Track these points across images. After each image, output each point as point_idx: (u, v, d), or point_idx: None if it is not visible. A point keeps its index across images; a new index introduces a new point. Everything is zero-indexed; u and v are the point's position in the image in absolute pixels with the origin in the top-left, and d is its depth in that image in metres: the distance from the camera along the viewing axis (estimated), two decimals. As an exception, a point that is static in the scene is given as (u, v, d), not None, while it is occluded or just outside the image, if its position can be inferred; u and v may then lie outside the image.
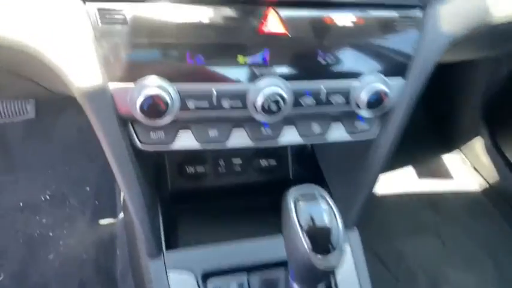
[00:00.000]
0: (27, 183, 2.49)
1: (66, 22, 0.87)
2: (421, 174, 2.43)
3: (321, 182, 1.43)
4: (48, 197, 2.33)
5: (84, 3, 0.87)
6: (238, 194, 1.50)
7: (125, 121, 0.99)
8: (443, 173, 2.48)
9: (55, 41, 0.87)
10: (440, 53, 1.05)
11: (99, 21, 0.87)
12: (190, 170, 1.44)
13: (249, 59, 0.91)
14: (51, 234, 2.30)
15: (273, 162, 1.51)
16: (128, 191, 1.04)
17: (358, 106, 1.04)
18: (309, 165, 1.50)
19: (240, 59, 0.94)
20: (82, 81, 0.90)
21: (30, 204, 2.41)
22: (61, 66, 0.88)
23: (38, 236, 2.29)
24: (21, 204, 2.44)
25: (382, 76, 0.99)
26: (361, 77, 0.98)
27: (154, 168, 1.36)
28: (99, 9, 0.87)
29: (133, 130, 1.00)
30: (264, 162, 1.51)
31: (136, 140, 1.01)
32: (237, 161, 1.49)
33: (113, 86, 0.92)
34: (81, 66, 0.89)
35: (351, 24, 0.97)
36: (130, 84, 0.92)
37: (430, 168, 2.50)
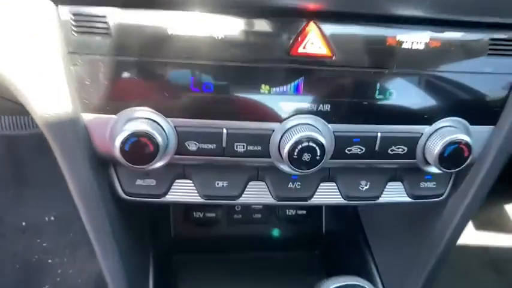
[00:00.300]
0: (32, 200, 2.34)
1: (31, 29, 0.64)
2: (482, 225, 2.07)
3: (362, 245, 1.13)
4: (52, 218, 2.15)
5: (56, 5, 0.63)
6: (257, 247, 1.22)
7: (105, 163, 0.74)
8: (508, 227, 2.12)
9: (14, 53, 0.64)
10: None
11: (73, 30, 0.63)
12: (198, 214, 1.18)
13: (276, 89, 0.65)
14: (50, 261, 2.11)
15: (302, 211, 1.23)
16: (100, 250, 0.79)
17: (426, 161, 0.75)
18: (349, 221, 1.20)
19: (264, 88, 0.68)
20: (46, 109, 0.66)
21: (33, 225, 2.25)
22: (19, 86, 0.65)
23: (35, 261, 2.12)
24: (23, 223, 2.27)
25: (464, 122, 0.70)
26: (434, 122, 0.76)
27: (149, 212, 1.10)
28: (75, 15, 0.63)
29: (116, 175, 0.75)
30: (291, 211, 1.23)
31: (119, 188, 0.75)
32: (257, 206, 1.21)
33: (88, 117, 0.68)
34: (45, 88, 0.66)
35: (422, 47, 0.69)
36: (112, 117, 0.67)
37: (492, 220, 2.13)
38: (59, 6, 0.63)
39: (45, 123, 0.67)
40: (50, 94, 0.66)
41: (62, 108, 0.66)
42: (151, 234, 1.08)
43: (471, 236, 2.08)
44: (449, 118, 0.75)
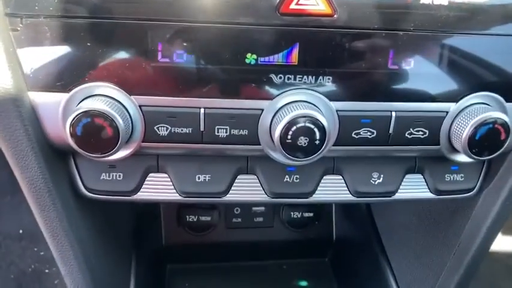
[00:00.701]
0: (29, 207, 2.24)
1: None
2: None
3: (377, 252, 0.97)
4: (49, 226, 2.06)
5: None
6: (258, 254, 1.08)
7: (62, 153, 0.61)
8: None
9: None
10: None
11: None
12: (191, 218, 1.04)
13: (264, 58, 0.51)
14: (47, 271, 2.01)
15: (309, 214, 1.08)
16: (60, 260, 0.67)
17: (452, 147, 0.61)
18: (361, 224, 1.05)
19: (250, 57, 0.55)
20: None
21: (30, 233, 2.14)
22: None
23: (31, 271, 2.01)
24: (20, 231, 2.17)
25: (499, 98, 0.56)
26: (461, 98, 0.61)
27: (130, 214, 0.97)
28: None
29: (76, 168, 0.63)
30: (296, 214, 1.08)
31: (80, 184, 0.63)
32: (258, 209, 1.07)
33: (35, 96, 0.56)
34: None
35: (445, 4, 0.55)
36: (63, 95, 0.55)
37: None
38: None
39: None
40: (-13, 68, 0.54)
41: (1, 86, 0.54)
42: (135, 240, 0.95)
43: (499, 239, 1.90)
44: (480, 93, 0.60)
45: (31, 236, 2.04)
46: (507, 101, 0.62)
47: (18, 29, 0.53)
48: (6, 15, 0.52)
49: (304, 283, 1.06)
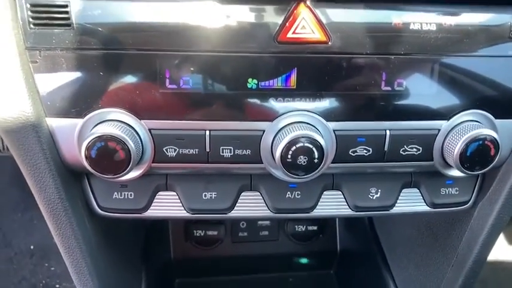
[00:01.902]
0: (40, 223, 2.28)
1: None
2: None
3: (379, 263, 1.00)
4: (60, 241, 2.08)
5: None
6: (264, 267, 1.11)
7: (77, 174, 0.65)
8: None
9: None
10: None
11: (31, 22, 0.56)
12: (198, 232, 1.08)
13: (265, 83, 0.56)
14: (57, 286, 2.04)
15: (313, 227, 1.11)
16: (75, 275, 0.70)
17: (445, 162, 0.64)
18: (364, 237, 1.08)
19: (251, 82, 0.59)
20: (4, 113, 0.59)
21: (41, 248, 2.18)
22: None
23: (43, 286, 2.04)
24: (32, 247, 2.21)
25: (488, 115, 0.59)
26: (452, 116, 0.65)
27: (139, 230, 1.00)
28: (33, 5, 0.56)
29: (90, 188, 0.66)
30: (300, 227, 1.11)
31: (94, 203, 0.67)
32: (263, 223, 1.10)
33: (52, 122, 0.60)
34: (2, 90, 0.58)
35: (434, 28, 0.59)
36: (78, 120, 0.59)
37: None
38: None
39: (4, 129, 0.60)
40: (7, 96, 0.58)
41: (22, 113, 0.58)
42: (145, 255, 0.98)
43: (502, 249, 1.90)
44: (470, 111, 0.64)
45: (42, 252, 2.07)
46: (496, 117, 0.65)
47: (37, 61, 0.58)
48: (27, 48, 0.57)
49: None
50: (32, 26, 0.57)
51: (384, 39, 0.59)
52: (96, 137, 0.56)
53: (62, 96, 0.59)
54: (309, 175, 0.60)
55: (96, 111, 0.59)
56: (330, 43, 0.58)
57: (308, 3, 0.57)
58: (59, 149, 0.61)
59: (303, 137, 0.58)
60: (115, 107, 0.59)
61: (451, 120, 0.63)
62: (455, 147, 0.61)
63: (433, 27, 0.59)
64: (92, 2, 0.56)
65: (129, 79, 0.59)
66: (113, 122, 0.58)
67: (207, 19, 0.57)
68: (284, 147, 0.58)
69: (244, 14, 0.57)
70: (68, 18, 0.56)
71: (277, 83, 0.60)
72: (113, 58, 0.58)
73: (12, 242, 2.12)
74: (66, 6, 0.56)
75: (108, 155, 0.57)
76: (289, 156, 0.58)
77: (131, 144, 0.57)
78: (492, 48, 0.62)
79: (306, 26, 0.58)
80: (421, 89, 0.62)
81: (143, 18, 0.56)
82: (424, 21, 0.59)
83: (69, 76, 0.58)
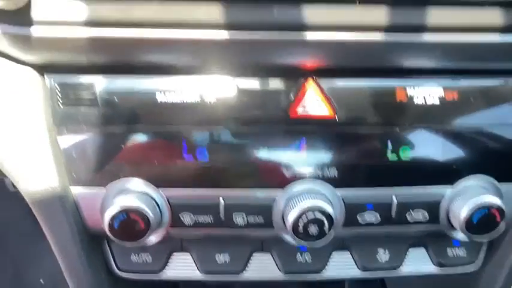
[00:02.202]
0: (51, 256, 2.28)
1: (15, 100, 0.61)
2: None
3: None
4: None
5: (42, 75, 0.61)
6: None
7: (98, 237, 0.69)
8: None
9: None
10: None
11: (59, 100, 0.61)
12: None
13: (276, 153, 0.65)
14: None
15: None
16: None
17: (451, 225, 0.66)
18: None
19: (263, 153, 0.63)
20: (32, 184, 0.63)
21: (51, 283, 2.16)
22: (2, 160, 0.62)
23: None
24: (41, 281, 2.19)
25: (492, 180, 0.61)
26: (457, 182, 0.67)
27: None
28: (61, 84, 0.60)
29: (110, 251, 0.70)
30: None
31: (113, 264, 0.70)
32: None
33: (77, 191, 0.64)
34: (31, 163, 0.63)
35: (436, 101, 0.62)
36: (101, 189, 0.63)
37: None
38: (45, 75, 0.62)
39: (32, 198, 0.64)
40: (36, 169, 0.62)
41: (48, 183, 0.62)
42: None
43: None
44: (474, 176, 0.66)
45: (53, 286, 2.06)
46: (500, 181, 0.67)
47: (65, 136, 0.62)
48: (55, 124, 0.62)
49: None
50: (60, 104, 0.61)
51: (388, 113, 0.63)
52: (118, 210, 0.60)
53: (87, 168, 0.63)
54: (319, 241, 0.63)
55: (118, 180, 0.63)
56: (336, 118, 0.62)
57: (315, 79, 0.61)
58: (83, 216, 0.65)
59: (313, 208, 0.61)
60: (135, 177, 0.63)
61: (455, 185, 0.66)
62: (461, 214, 0.63)
63: (436, 100, 0.63)
64: (115, 81, 0.61)
65: (148, 151, 0.63)
66: (134, 192, 0.62)
67: (222, 97, 0.61)
68: (295, 217, 0.61)
69: (256, 92, 0.61)
70: (94, 97, 0.61)
71: (287, 153, 0.63)
72: (134, 132, 0.62)
73: (22, 276, 2.12)
74: (91, 85, 0.61)
75: (130, 225, 0.60)
76: (300, 225, 0.61)
77: (151, 215, 0.60)
78: (494, 116, 0.65)
79: (314, 101, 0.61)
80: (426, 156, 0.65)
81: (162, 96, 0.61)
82: (427, 94, 0.63)
83: (93, 149, 0.62)
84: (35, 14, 0.54)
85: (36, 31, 0.55)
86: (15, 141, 0.62)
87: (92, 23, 0.55)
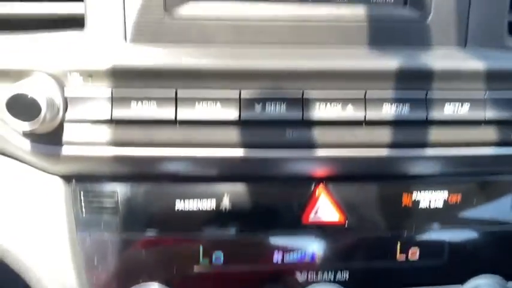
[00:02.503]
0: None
1: (40, 206, 0.65)
2: None
3: None
4: None
5: (68, 183, 0.65)
6: None
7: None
8: None
9: (21, 230, 0.65)
10: None
11: (83, 207, 0.64)
12: None
13: (289, 258, 0.64)
14: None
15: None
16: None
17: (462, 325, 0.67)
18: None
19: (277, 257, 0.65)
20: (51, 286, 0.65)
21: None
22: (24, 264, 0.65)
23: None
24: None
25: (501, 279, 0.63)
26: (466, 281, 0.71)
27: None
28: (85, 192, 0.64)
29: None
30: None
31: None
32: None
33: (98, 297, 0.66)
34: (50, 267, 0.66)
35: (441, 205, 0.66)
36: (123, 297, 0.65)
37: None
38: (70, 184, 0.65)
39: None
40: (56, 272, 0.65)
41: (67, 287, 0.65)
42: None
43: None
44: (482, 275, 0.68)
45: None
46: (508, 280, 0.69)
47: (86, 243, 0.65)
48: (77, 230, 0.65)
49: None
50: (83, 211, 0.65)
51: (396, 217, 0.66)
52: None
53: (107, 273, 0.65)
54: None
55: (138, 285, 0.65)
56: (346, 224, 0.65)
57: (326, 186, 0.65)
58: None
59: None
60: (153, 281, 0.65)
61: (464, 285, 0.68)
62: (472, 314, 0.65)
63: (440, 204, 0.66)
64: (136, 189, 0.64)
65: (168, 258, 0.65)
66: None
67: (237, 204, 0.64)
68: None
69: (270, 199, 0.65)
70: (116, 204, 0.64)
71: (300, 257, 0.66)
72: (153, 239, 0.65)
73: None
74: (114, 193, 0.64)
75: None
76: (314, 329, 0.63)
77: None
78: (497, 215, 0.68)
79: (325, 208, 0.65)
80: (434, 256, 0.67)
81: (181, 203, 0.64)
82: (432, 198, 0.66)
83: (113, 254, 0.65)
84: (65, 135, 0.59)
85: (65, 150, 0.59)
86: (37, 244, 0.65)
87: (116, 144, 0.59)
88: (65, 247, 0.65)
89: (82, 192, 0.65)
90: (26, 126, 0.54)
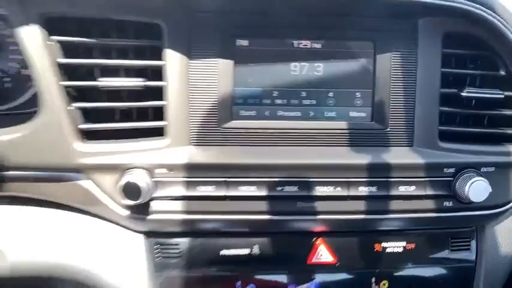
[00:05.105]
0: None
1: (126, 253, 0.94)
2: None
3: None
4: None
5: (147, 238, 0.94)
6: None
7: None
8: None
9: (113, 268, 0.93)
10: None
11: (156, 255, 0.93)
12: None
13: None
14: None
15: None
16: None
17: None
18: None
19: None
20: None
21: None
22: None
23: None
24: None
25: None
26: None
27: None
28: (158, 243, 0.94)
29: None
30: None
31: None
32: None
33: None
34: None
35: (401, 250, 0.96)
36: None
37: None
38: (150, 238, 0.95)
39: None
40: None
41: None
42: None
43: None
44: None
45: None
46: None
47: (159, 279, 0.94)
48: (154, 272, 0.94)
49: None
50: (156, 257, 0.94)
51: (371, 259, 0.96)
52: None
53: (174, 299, 0.94)
54: None
55: (194, 309, 0.94)
56: (337, 264, 0.95)
57: (324, 238, 0.95)
58: None
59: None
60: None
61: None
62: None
63: (401, 250, 0.97)
64: (194, 242, 0.94)
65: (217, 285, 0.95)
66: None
67: (261, 250, 0.95)
68: None
69: (286, 248, 0.95)
70: (180, 254, 0.94)
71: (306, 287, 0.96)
72: (204, 276, 0.94)
73: None
74: (177, 244, 0.94)
75: None
76: None
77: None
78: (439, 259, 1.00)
79: (323, 253, 0.95)
80: (401, 285, 0.98)
81: (225, 251, 0.94)
82: (395, 246, 0.97)
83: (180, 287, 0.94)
84: (152, 207, 0.89)
85: (151, 216, 0.90)
86: (125, 282, 0.94)
87: (186, 213, 0.89)
88: (146, 284, 0.93)
89: (155, 244, 0.94)
90: (131, 202, 0.85)
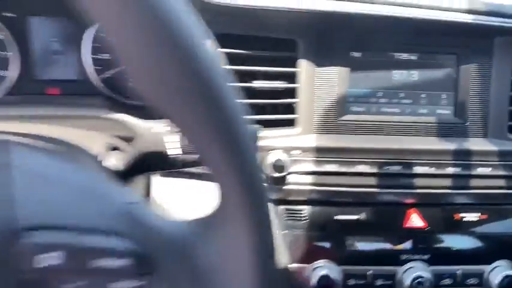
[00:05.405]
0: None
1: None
2: None
3: None
4: None
5: (276, 205, 1.21)
6: None
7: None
8: None
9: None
10: None
11: (284, 217, 1.20)
12: None
13: (397, 248, 1.17)
14: None
15: None
16: None
17: (491, 288, 1.22)
18: None
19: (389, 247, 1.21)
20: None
21: None
22: None
23: None
24: None
25: (512, 262, 1.20)
26: (492, 263, 1.16)
27: None
28: (287, 209, 1.20)
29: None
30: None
31: None
32: None
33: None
34: None
35: (475, 219, 1.22)
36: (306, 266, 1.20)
37: None
38: (278, 206, 1.21)
39: None
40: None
41: (280, 261, 1.20)
42: None
43: None
44: (502, 260, 1.23)
45: None
46: (515, 262, 1.24)
47: (286, 236, 1.20)
48: (279, 230, 1.21)
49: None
50: (284, 219, 1.21)
51: (453, 225, 1.22)
52: (322, 275, 1.16)
53: (301, 253, 1.20)
54: None
55: (317, 261, 1.20)
56: (426, 228, 1.21)
57: (416, 207, 1.21)
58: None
59: (418, 275, 1.17)
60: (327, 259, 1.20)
61: (492, 264, 1.23)
62: (495, 280, 1.20)
63: (476, 218, 1.23)
64: (313, 209, 1.21)
65: (337, 245, 1.21)
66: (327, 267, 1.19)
67: (368, 218, 1.21)
68: (410, 282, 1.17)
69: (387, 216, 1.21)
70: (305, 217, 1.20)
71: (404, 247, 1.21)
72: (327, 237, 1.20)
73: None
74: (302, 211, 1.21)
75: (328, 286, 1.16)
76: (412, 286, 1.17)
77: (337, 278, 1.17)
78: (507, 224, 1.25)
79: (415, 220, 1.21)
80: (474, 248, 1.23)
81: (337, 217, 1.20)
82: (467, 216, 1.22)
83: (303, 244, 1.20)
84: (287, 180, 1.16)
85: (286, 187, 1.17)
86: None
87: (313, 184, 1.16)
88: (276, 240, 1.19)
89: (286, 210, 1.21)
90: (278, 174, 1.12)
